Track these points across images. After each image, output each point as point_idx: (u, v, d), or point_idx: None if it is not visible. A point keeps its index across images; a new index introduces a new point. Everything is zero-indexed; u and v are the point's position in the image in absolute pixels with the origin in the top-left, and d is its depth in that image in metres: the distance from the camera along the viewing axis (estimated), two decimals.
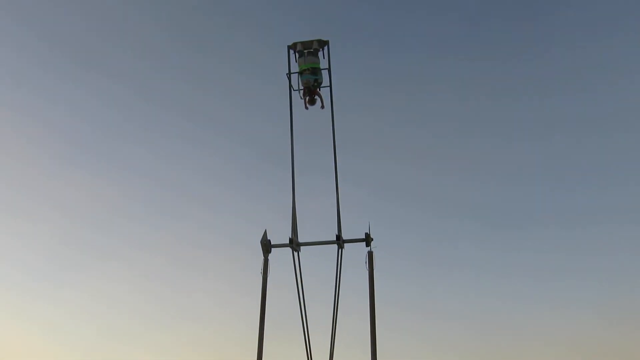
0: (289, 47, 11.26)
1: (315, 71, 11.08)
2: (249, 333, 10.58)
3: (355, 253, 10.52)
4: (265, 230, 11.06)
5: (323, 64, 11.23)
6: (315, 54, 11.14)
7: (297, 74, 11.24)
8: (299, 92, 11.23)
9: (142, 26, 25.71)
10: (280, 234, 10.88)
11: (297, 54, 11.31)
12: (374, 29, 25.43)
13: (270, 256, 10.89)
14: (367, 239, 10.09)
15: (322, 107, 11.29)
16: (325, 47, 11.22)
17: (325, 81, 11.23)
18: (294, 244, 10.69)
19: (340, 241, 10.48)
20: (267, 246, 10.93)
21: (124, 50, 25.43)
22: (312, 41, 11.15)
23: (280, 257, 10.83)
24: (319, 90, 11.25)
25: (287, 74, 11.33)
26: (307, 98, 11.23)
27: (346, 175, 11.66)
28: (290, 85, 11.40)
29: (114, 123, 26.41)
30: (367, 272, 9.89)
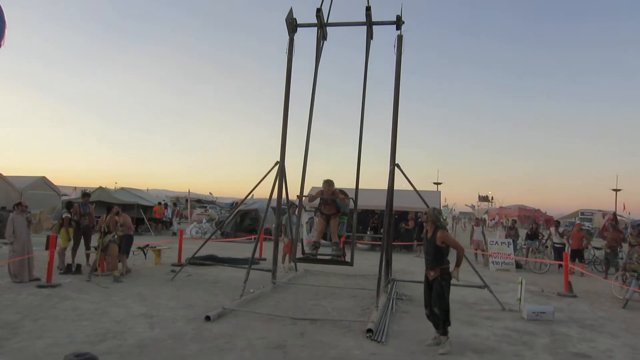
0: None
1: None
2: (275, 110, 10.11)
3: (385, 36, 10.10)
4: (291, 8, 9.41)
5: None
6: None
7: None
8: None
9: None
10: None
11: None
12: None
13: (296, 37, 9.56)
14: (398, 22, 9.73)
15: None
16: None
17: None
18: (321, 23, 9.54)
19: (369, 21, 9.81)
20: (292, 25, 9.47)
21: None
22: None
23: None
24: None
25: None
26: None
27: None
28: None
29: None
30: (395, 56, 9.90)
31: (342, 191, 9.44)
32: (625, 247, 14.53)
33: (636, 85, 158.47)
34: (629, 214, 26.68)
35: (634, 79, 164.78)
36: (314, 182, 19.55)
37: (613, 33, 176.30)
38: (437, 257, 6.30)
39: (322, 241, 9.87)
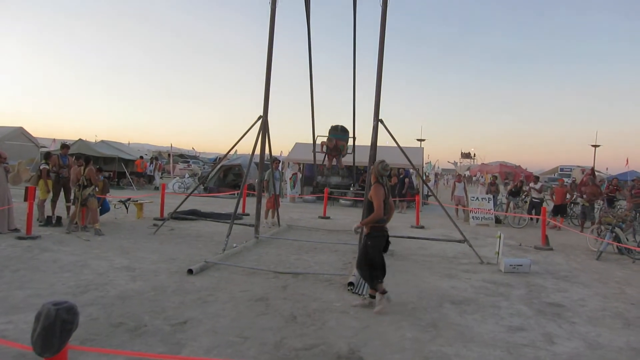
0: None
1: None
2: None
3: None
4: None
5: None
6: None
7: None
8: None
9: None
10: None
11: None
12: None
13: None
14: None
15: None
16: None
17: None
18: None
19: None
20: None
21: None
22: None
23: None
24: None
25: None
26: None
27: None
28: None
29: None
30: (381, 7, 9.63)
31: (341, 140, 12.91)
32: (624, 203, 15.16)
33: (615, 41, 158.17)
34: (607, 169, 27.26)
35: (613, 35, 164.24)
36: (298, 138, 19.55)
37: None
38: (370, 212, 5.96)
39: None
